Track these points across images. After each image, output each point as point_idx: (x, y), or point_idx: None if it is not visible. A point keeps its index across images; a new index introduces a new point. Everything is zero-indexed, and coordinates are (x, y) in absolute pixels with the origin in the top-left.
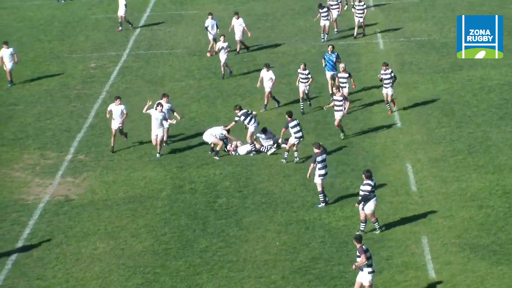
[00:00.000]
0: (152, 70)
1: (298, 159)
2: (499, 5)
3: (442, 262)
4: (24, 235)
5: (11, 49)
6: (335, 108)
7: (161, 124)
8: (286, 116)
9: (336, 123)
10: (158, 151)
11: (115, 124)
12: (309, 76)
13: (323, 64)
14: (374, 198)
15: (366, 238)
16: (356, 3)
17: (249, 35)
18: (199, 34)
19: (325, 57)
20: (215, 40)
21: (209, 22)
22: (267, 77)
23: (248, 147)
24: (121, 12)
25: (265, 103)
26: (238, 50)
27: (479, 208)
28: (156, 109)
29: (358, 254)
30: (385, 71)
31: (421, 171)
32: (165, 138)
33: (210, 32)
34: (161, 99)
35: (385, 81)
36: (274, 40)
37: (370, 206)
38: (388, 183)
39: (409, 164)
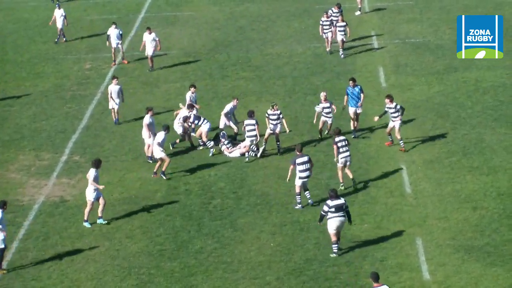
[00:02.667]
0: (147, 72)
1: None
2: (495, 7)
3: (437, 263)
4: (19, 236)
5: None
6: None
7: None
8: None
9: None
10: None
11: (113, 104)
12: (281, 116)
13: (345, 101)
14: (336, 219)
15: (360, 239)
16: (339, 23)
17: (158, 49)
18: (194, 36)
19: (348, 91)
20: (116, 49)
21: (111, 31)
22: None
23: (237, 152)
24: (149, 52)
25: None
26: (151, 65)
27: (473, 209)
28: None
29: None
30: (390, 104)
31: (416, 173)
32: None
33: (111, 41)
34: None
35: (392, 115)
36: (269, 41)
37: (331, 225)
38: (382, 184)
39: (404, 165)
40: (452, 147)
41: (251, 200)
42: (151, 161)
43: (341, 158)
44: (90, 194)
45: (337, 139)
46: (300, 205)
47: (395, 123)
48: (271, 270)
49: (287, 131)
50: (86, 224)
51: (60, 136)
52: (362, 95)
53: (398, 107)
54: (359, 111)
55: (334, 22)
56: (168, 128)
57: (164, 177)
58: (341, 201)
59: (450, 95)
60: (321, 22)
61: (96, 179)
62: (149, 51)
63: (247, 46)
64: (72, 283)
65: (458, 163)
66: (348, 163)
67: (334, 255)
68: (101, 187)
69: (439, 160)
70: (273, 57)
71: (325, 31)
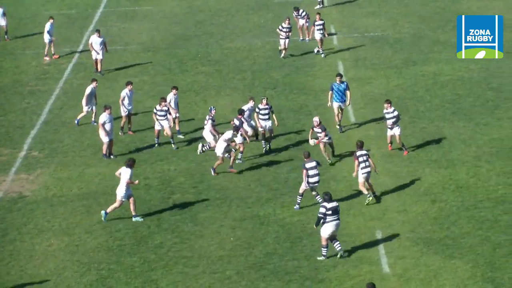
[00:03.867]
0: (106, 66)
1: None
2: (453, 0)
3: (396, 256)
4: None
5: None
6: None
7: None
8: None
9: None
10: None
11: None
12: (272, 110)
13: (330, 95)
14: (333, 223)
15: (320, 233)
16: (317, 22)
17: (106, 51)
18: (153, 30)
19: (333, 87)
20: (51, 43)
21: (48, 26)
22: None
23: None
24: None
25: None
26: (100, 69)
27: (432, 202)
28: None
29: None
30: (387, 109)
31: (375, 167)
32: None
33: (49, 36)
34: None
35: (389, 121)
36: (229, 35)
37: (326, 229)
38: (342, 178)
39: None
40: (411, 141)
41: (211, 194)
42: (105, 158)
43: (362, 174)
44: (121, 193)
45: (358, 153)
46: (298, 206)
47: (394, 130)
48: (231, 265)
49: (277, 124)
50: (103, 214)
51: (18, 131)
52: (348, 92)
53: (396, 113)
54: (343, 106)
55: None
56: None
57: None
58: (335, 204)
59: (409, 89)
60: (280, 28)
61: (131, 179)
62: (99, 55)
63: (206, 41)
64: (32, 279)
65: (417, 156)
66: (369, 179)
67: (323, 258)
68: (136, 182)
69: (398, 154)
70: (233, 51)
71: (281, 37)
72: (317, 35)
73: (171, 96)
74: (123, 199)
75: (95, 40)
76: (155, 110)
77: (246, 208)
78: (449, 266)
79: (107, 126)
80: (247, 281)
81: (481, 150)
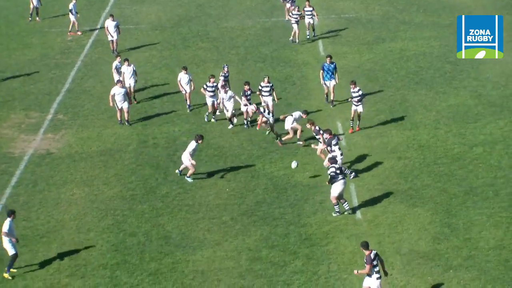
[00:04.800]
0: (120, 43)
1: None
2: None
3: (367, 204)
4: (11, 183)
5: None
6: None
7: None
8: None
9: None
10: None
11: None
12: (273, 87)
13: (321, 74)
14: (341, 181)
15: (303, 185)
16: (306, 8)
17: (119, 33)
18: (160, 12)
19: (324, 67)
20: (74, 22)
21: (71, 6)
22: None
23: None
24: (114, 37)
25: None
26: (115, 49)
27: (398, 159)
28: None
29: (365, 261)
30: (353, 89)
31: (349, 128)
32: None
33: (72, 15)
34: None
35: (355, 99)
36: (225, 17)
37: (336, 188)
38: None
39: (339, 122)
40: (380, 106)
41: (209, 152)
42: (120, 124)
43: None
44: (186, 161)
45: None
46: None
47: (358, 107)
48: (226, 211)
49: (276, 101)
50: (189, 180)
51: (46, 98)
52: (336, 71)
53: (361, 92)
54: (333, 83)
55: (289, 6)
56: (201, 138)
57: (189, 180)
58: (339, 165)
59: (379, 62)
60: (290, 14)
61: (194, 152)
62: (113, 37)
63: (206, 21)
64: (58, 223)
65: (385, 120)
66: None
67: (338, 214)
68: (193, 162)
69: (369, 117)
70: (228, 30)
71: (292, 22)
72: (307, 20)
73: (181, 76)
74: (189, 165)
75: (109, 24)
76: (205, 86)
77: (239, 163)
78: (412, 213)
79: (117, 98)
80: (240, 225)
81: (440, 115)
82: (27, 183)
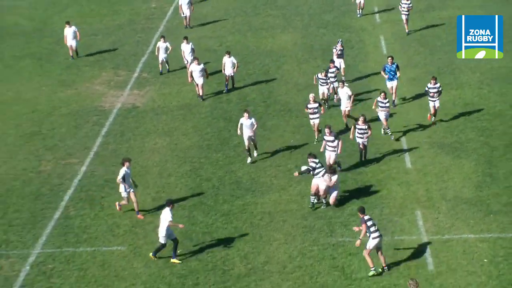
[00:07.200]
0: (198, 10)
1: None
2: None
3: (417, 156)
4: (102, 133)
5: (73, 27)
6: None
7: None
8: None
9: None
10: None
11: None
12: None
13: (385, 76)
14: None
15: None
16: None
17: (192, 10)
18: None
19: (386, 68)
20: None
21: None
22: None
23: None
24: (187, 13)
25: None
26: (188, 24)
27: (445, 115)
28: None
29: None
30: (434, 85)
31: (401, 88)
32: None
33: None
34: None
35: (433, 95)
36: None
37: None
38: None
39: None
40: (430, 68)
41: (277, 107)
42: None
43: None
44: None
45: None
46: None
47: (435, 102)
48: (291, 160)
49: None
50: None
51: (132, 58)
52: (398, 70)
53: (441, 88)
54: (395, 84)
55: None
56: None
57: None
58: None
59: (430, 28)
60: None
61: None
62: (186, 13)
63: None
64: (142, 168)
65: None
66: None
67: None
68: (251, 133)
69: (419, 79)
70: None
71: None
72: None
73: (183, 46)
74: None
75: (183, 1)
76: (316, 76)
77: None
78: (457, 164)
79: (194, 74)
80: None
81: (484, 76)
82: (116, 133)
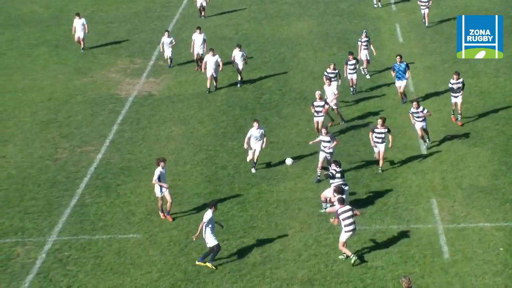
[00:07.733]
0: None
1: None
2: None
3: (432, 143)
4: (118, 121)
5: (82, 20)
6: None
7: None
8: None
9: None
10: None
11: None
12: (339, 73)
13: (393, 75)
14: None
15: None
16: None
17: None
18: None
19: (395, 67)
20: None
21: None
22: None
23: None
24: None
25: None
26: (203, 15)
27: (461, 104)
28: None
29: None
30: (456, 80)
31: (417, 76)
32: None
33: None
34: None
35: (456, 90)
36: None
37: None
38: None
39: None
40: (445, 56)
41: (292, 95)
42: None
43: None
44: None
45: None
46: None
47: (457, 99)
48: (306, 148)
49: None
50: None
51: (148, 46)
52: (408, 69)
53: (464, 83)
54: (404, 83)
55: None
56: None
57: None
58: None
59: (445, 17)
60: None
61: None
62: (203, 3)
63: None
64: (158, 155)
65: (449, 68)
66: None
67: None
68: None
69: (435, 66)
70: None
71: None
72: None
73: (195, 36)
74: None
75: None
76: (325, 73)
77: None
78: (473, 152)
79: (209, 65)
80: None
81: (500, 64)
82: (131, 121)
